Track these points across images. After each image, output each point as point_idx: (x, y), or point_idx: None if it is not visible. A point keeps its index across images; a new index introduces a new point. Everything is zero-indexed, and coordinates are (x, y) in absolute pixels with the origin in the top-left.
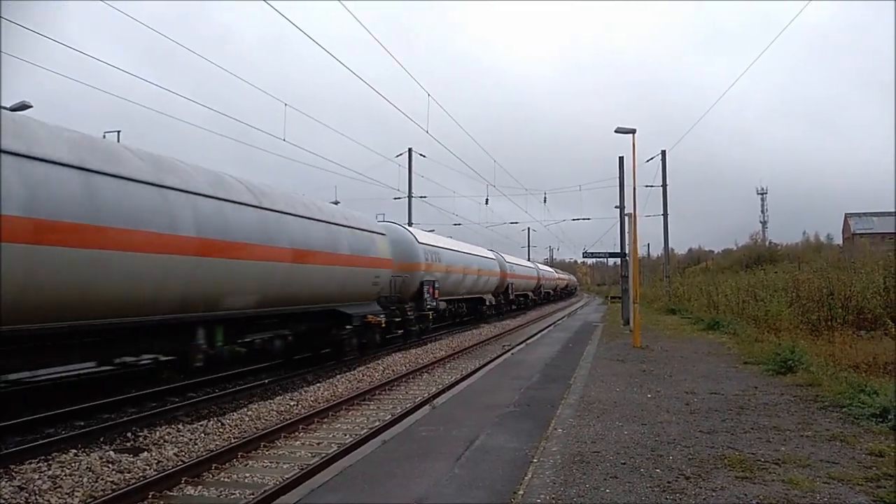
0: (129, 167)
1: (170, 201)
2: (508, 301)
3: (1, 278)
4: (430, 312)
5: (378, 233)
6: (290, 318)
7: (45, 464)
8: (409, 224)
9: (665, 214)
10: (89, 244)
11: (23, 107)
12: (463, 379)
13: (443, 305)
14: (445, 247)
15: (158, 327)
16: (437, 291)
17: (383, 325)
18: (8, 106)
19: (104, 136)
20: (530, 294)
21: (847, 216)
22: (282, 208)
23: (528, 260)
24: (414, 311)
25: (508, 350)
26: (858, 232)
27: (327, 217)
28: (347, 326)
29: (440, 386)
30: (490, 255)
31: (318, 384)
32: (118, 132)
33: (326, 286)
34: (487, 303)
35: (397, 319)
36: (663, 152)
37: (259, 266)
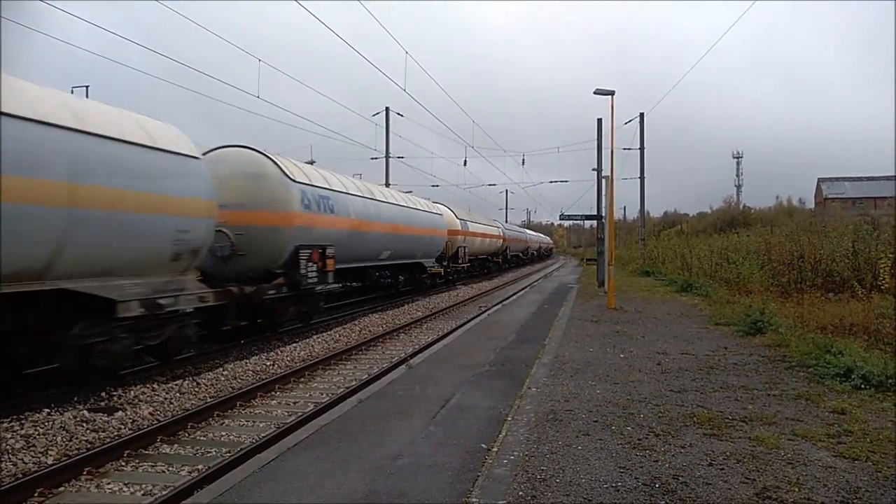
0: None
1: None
2: (507, 260)
3: None
4: (463, 266)
5: (437, 213)
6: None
7: (18, 423)
8: (387, 185)
9: (642, 177)
10: None
11: None
12: (439, 339)
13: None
14: (349, 191)
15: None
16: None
17: (442, 273)
18: None
19: (72, 92)
20: (520, 254)
21: (820, 181)
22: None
23: (507, 222)
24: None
25: (485, 311)
26: (830, 196)
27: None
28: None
29: (417, 346)
30: (495, 224)
31: (294, 344)
32: (86, 87)
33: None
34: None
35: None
36: (641, 115)
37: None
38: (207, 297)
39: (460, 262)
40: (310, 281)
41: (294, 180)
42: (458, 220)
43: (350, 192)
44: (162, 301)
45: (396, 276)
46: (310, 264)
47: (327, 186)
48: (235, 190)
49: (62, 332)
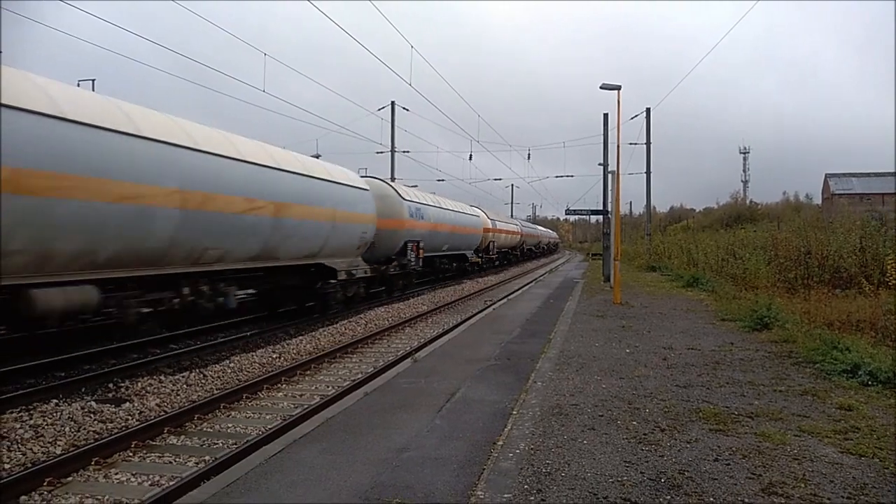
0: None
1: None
2: (490, 259)
3: None
4: (414, 268)
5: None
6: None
7: (27, 413)
8: (392, 179)
9: (648, 172)
10: None
11: None
12: (445, 333)
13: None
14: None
15: None
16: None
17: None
18: None
19: (78, 85)
20: (512, 250)
21: (827, 176)
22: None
23: (512, 217)
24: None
25: (490, 305)
26: (838, 192)
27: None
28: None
29: (422, 340)
30: (473, 212)
31: (300, 337)
32: (93, 80)
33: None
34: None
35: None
36: (648, 110)
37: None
38: (368, 271)
39: (491, 253)
40: (412, 264)
41: (405, 199)
42: (489, 220)
43: (430, 204)
44: (353, 271)
45: (451, 263)
46: (411, 253)
47: (420, 201)
48: (378, 206)
49: (313, 286)
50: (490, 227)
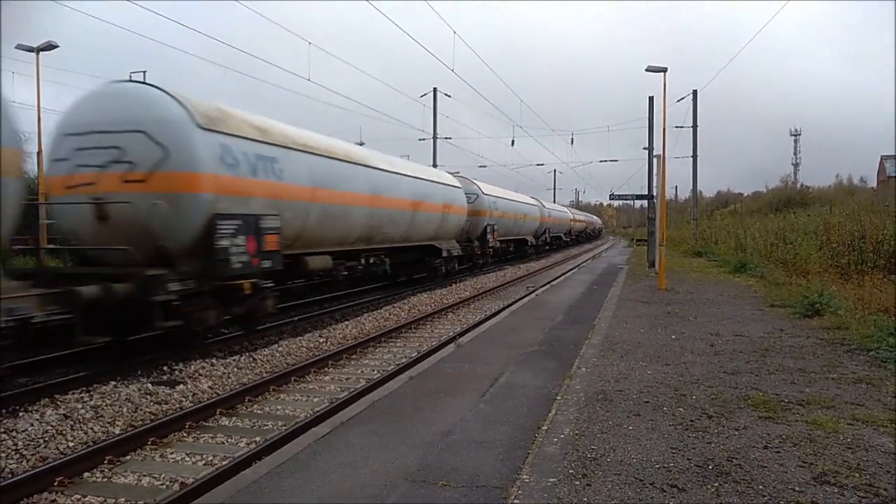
0: None
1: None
2: (546, 242)
3: None
4: (490, 249)
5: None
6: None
7: (87, 394)
8: (434, 166)
9: (694, 156)
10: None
11: (49, 46)
12: (487, 319)
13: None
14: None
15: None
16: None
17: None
18: (35, 46)
19: (130, 77)
20: (562, 236)
21: (883, 158)
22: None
23: (554, 202)
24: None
25: (533, 291)
26: (894, 175)
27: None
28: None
29: (465, 325)
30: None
31: (345, 322)
32: (144, 72)
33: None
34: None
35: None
36: (695, 92)
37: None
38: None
39: (546, 238)
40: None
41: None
42: (545, 209)
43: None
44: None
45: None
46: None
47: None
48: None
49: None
50: (546, 216)
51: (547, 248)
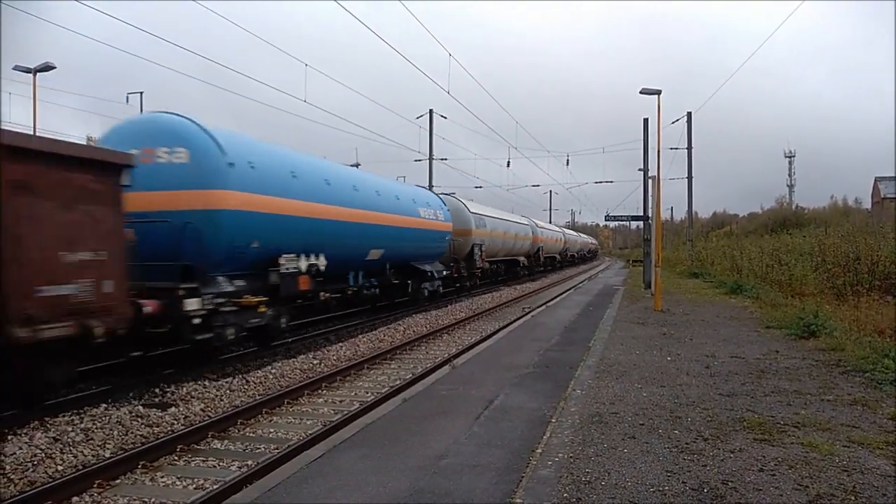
0: None
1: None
2: (539, 263)
3: None
4: (478, 270)
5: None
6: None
7: (78, 417)
8: (430, 187)
9: (689, 177)
10: None
11: (47, 68)
12: (483, 340)
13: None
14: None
15: None
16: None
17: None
18: (33, 67)
19: (126, 99)
20: (557, 256)
21: (877, 180)
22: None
23: (550, 223)
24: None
25: (528, 312)
26: (889, 196)
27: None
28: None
29: (460, 347)
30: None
31: (340, 343)
32: (140, 93)
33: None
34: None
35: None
36: (689, 114)
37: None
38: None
39: (539, 259)
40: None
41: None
42: (538, 229)
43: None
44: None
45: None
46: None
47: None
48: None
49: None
50: (539, 236)
51: (541, 268)
